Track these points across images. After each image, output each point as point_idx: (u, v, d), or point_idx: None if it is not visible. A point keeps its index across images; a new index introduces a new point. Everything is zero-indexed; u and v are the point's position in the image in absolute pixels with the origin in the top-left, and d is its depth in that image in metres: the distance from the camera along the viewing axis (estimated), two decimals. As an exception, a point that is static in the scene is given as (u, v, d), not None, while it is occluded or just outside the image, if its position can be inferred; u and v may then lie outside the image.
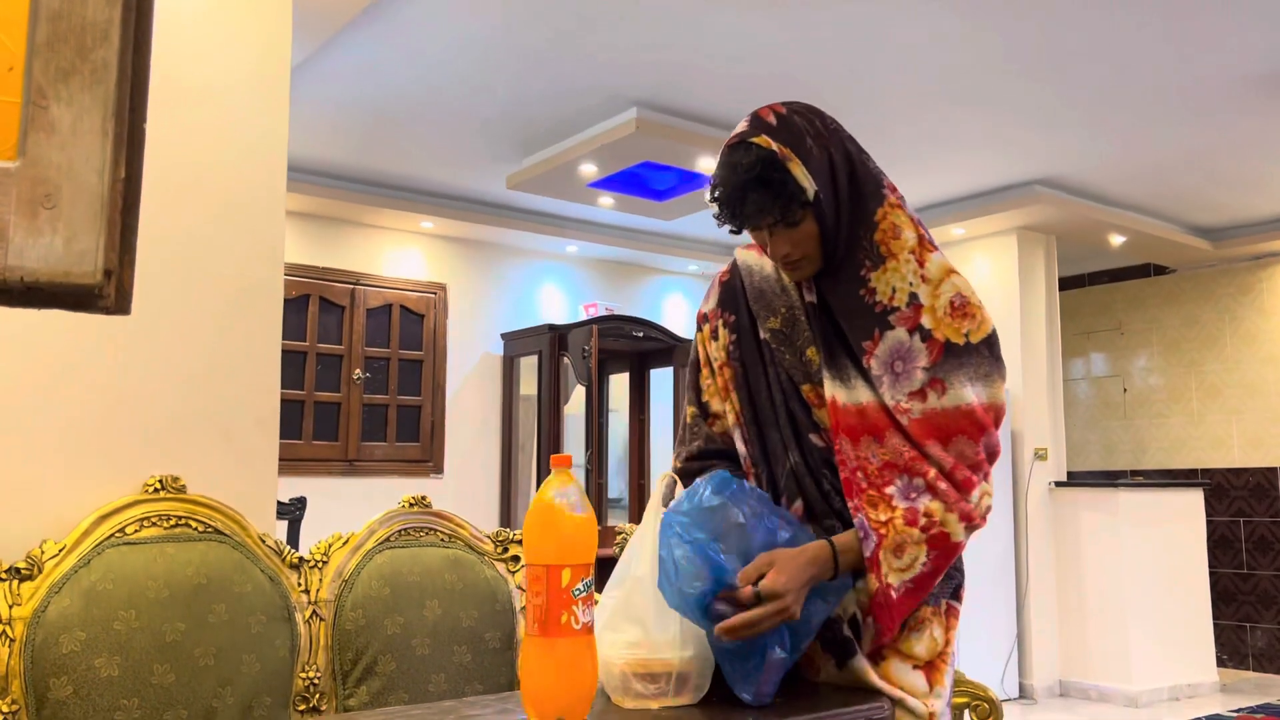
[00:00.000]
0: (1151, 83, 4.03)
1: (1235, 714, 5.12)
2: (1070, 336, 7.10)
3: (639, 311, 6.48)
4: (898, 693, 1.41)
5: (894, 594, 1.38)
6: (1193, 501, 5.85)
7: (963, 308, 1.44)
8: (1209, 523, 6.44)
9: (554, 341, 5.77)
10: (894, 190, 1.50)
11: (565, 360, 5.77)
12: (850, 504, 1.43)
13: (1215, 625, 6.29)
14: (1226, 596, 6.47)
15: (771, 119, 1.44)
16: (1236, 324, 6.54)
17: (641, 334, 5.97)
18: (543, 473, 5.55)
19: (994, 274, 5.94)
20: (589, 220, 6.03)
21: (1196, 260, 6.54)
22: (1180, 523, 5.75)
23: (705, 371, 1.65)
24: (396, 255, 5.77)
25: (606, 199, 5.17)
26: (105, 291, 0.58)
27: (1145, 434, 6.90)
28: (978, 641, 5.35)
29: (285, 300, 5.16)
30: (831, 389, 1.46)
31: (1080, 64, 3.86)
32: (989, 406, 1.43)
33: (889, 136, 4.64)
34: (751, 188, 1.41)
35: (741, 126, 1.45)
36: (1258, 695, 5.63)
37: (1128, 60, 3.82)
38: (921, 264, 1.45)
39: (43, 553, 1.68)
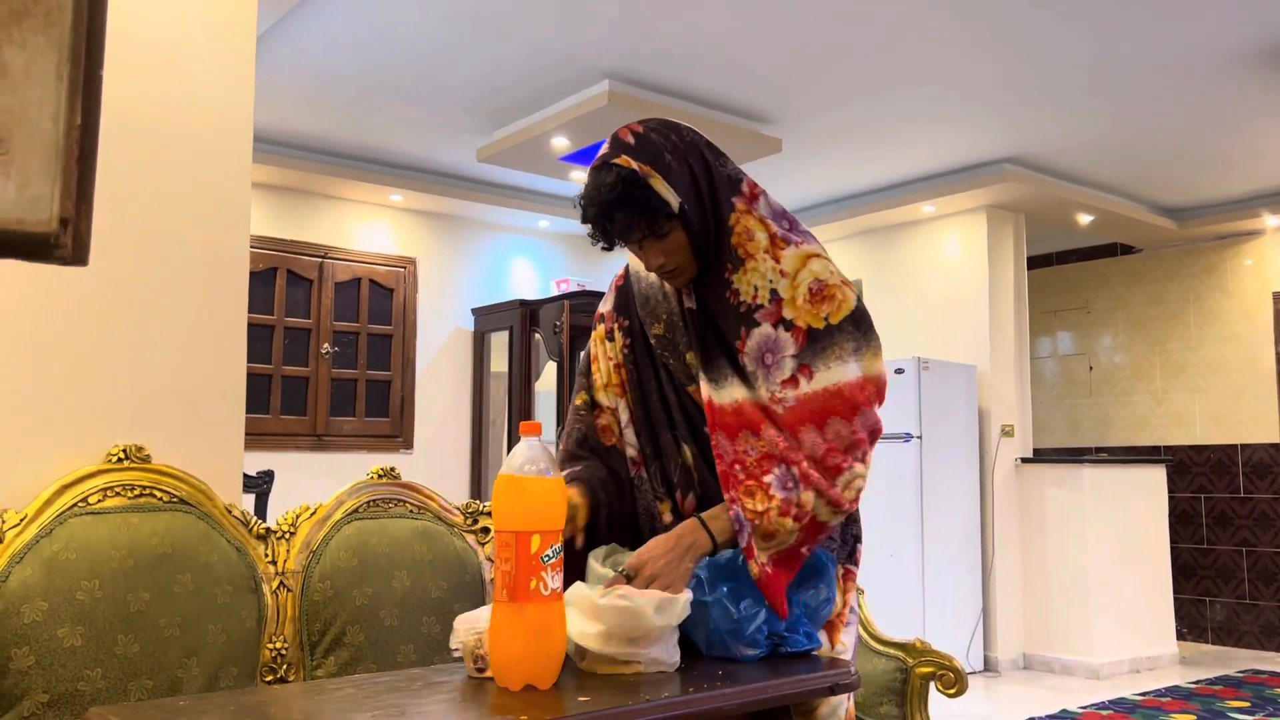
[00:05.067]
0: (1121, 63, 4.06)
1: (1194, 685, 5.23)
2: (1037, 315, 7.16)
3: (610, 287, 6.45)
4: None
5: (769, 570, 1.43)
6: (1155, 478, 5.94)
7: (820, 292, 1.49)
8: (1171, 498, 6.54)
9: (525, 317, 5.74)
10: (749, 192, 1.55)
11: (536, 336, 5.74)
12: (727, 496, 1.47)
13: (1175, 599, 6.40)
14: (1187, 571, 6.59)
15: (630, 139, 1.50)
16: (1200, 303, 6.63)
17: (613, 310, 5.95)
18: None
19: (963, 252, 5.97)
20: (561, 195, 5.99)
21: (1162, 240, 6.61)
22: (1143, 499, 5.84)
23: (595, 367, 1.70)
24: (365, 228, 5.71)
25: (578, 173, 5.14)
26: (61, 241, 0.56)
27: (1110, 411, 6.99)
28: (944, 615, 5.42)
29: (253, 273, 5.09)
30: (708, 390, 1.51)
31: (1051, 44, 3.87)
32: (864, 381, 1.47)
33: (861, 113, 4.64)
34: (616, 207, 1.47)
35: (604, 149, 1.51)
36: (1216, 667, 5.74)
37: (1098, 40, 3.84)
38: (777, 260, 1.51)
39: (3, 522, 1.66)
